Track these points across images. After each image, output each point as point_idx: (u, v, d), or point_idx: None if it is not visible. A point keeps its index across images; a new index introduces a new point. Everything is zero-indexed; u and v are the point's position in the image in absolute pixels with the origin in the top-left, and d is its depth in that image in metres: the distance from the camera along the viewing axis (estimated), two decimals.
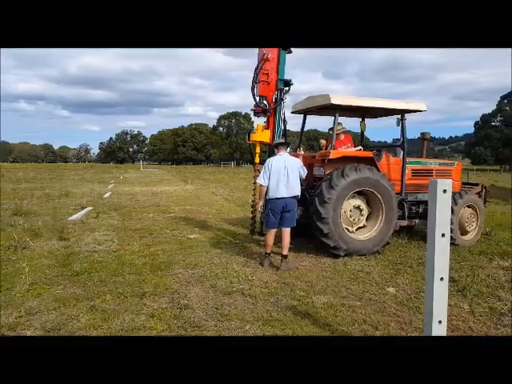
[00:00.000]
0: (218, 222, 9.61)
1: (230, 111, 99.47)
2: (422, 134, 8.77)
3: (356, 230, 6.65)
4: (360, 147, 7.63)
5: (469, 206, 7.56)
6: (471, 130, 78.06)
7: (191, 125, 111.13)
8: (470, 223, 7.53)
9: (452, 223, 7.19)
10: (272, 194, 5.56)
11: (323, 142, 7.60)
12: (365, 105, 6.84)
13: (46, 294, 4.40)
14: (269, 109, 7.03)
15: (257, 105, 7.06)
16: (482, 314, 4.02)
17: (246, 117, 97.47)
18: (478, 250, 6.84)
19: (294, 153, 6.79)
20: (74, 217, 9.59)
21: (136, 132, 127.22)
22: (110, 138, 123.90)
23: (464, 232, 7.46)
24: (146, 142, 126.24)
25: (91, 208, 11.37)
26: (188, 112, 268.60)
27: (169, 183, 24.49)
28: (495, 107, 73.62)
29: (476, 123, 76.34)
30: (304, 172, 5.79)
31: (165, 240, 7.39)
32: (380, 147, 8.33)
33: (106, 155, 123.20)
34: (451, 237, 7.15)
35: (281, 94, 7.07)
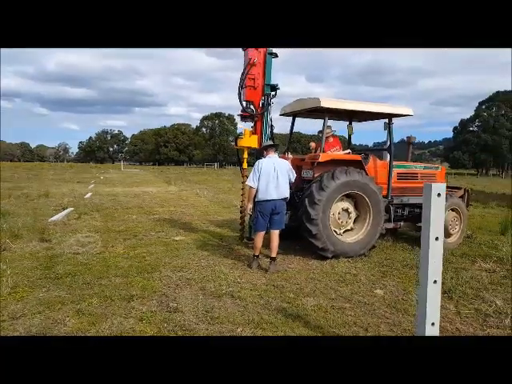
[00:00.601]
0: (204, 223, 9.53)
1: (214, 112, 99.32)
2: (407, 137, 8.92)
3: (343, 232, 6.70)
4: (349, 150, 7.70)
5: (452, 210, 7.71)
6: (450, 134, 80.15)
7: (174, 125, 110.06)
8: (453, 226, 7.67)
9: None
10: (261, 196, 5.55)
11: (313, 144, 7.63)
12: (354, 108, 6.90)
13: (29, 298, 4.27)
14: (256, 114, 7.01)
15: (244, 110, 7.02)
16: (468, 316, 4.10)
17: (230, 118, 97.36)
18: (461, 252, 6.99)
19: (283, 155, 6.79)
20: (54, 218, 9.36)
21: (116, 131, 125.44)
22: (90, 138, 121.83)
23: (447, 235, 7.59)
24: (127, 141, 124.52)
25: (72, 209, 11.12)
26: (171, 112, 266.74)
27: (151, 184, 24.20)
28: (473, 113, 75.62)
29: (455, 128, 78.27)
30: (293, 175, 5.80)
31: (150, 242, 7.28)
32: (367, 151, 8.43)
33: (85, 155, 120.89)
34: None
35: (268, 99, 7.06)
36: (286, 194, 5.66)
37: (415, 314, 4.10)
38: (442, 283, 5.04)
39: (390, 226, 7.35)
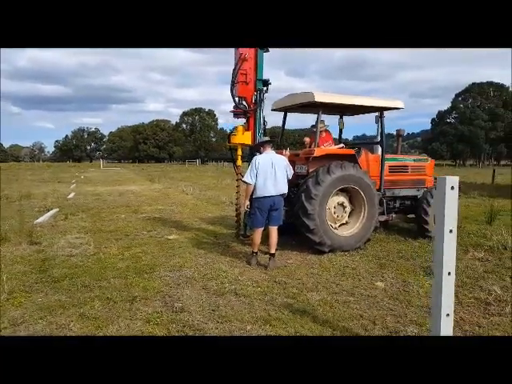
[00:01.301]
0: (195, 221, 9.46)
1: (193, 107, 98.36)
2: (396, 130, 9.01)
3: (339, 226, 6.75)
4: (342, 145, 7.74)
5: None
6: (428, 126, 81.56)
7: (152, 121, 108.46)
8: None
9: (429, 215, 7.45)
10: (259, 193, 5.52)
11: (307, 139, 7.62)
12: (348, 102, 6.94)
13: (27, 303, 4.14)
14: (249, 110, 6.94)
15: (236, 106, 6.95)
16: (470, 305, 4.19)
17: (210, 113, 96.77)
18: None
19: (280, 151, 6.77)
20: (40, 219, 9.12)
21: (93, 129, 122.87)
22: (66, 136, 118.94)
23: None
24: (105, 139, 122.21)
25: (57, 210, 10.87)
26: (149, 108, 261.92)
27: (134, 182, 23.86)
28: (450, 105, 77.18)
29: (433, 120, 79.75)
30: (290, 171, 5.79)
31: (143, 242, 7.17)
32: (359, 144, 8.50)
33: (61, 154, 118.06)
34: (427, 229, 7.47)
35: (260, 95, 7.00)
36: (284, 190, 5.65)
37: (418, 305, 4.19)
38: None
39: (383, 218, 7.45)
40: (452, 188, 2.67)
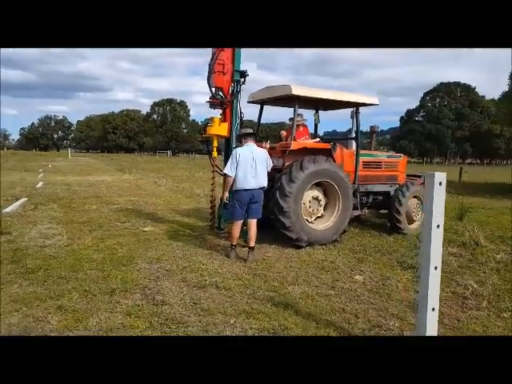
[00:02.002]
0: (170, 213, 9.30)
1: (164, 98, 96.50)
2: (370, 127, 9.18)
3: (314, 220, 6.80)
4: (318, 139, 7.78)
5: (415, 197, 8.04)
6: (396, 124, 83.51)
7: (122, 111, 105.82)
8: (416, 213, 8.03)
9: (401, 214, 7.64)
10: (239, 186, 5.48)
11: (284, 133, 7.61)
12: (324, 97, 6.96)
13: (0, 295, 3.95)
14: (225, 101, 6.84)
15: (213, 96, 6.83)
16: (448, 299, 4.32)
17: (182, 104, 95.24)
18: None
19: (260, 144, 6.73)
20: (8, 209, 8.71)
21: (61, 117, 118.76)
22: (32, 124, 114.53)
23: (411, 221, 7.94)
24: (72, 128, 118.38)
25: (26, 199, 10.42)
26: (117, 97, 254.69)
27: (104, 173, 23.23)
28: (419, 103, 79.29)
29: (401, 118, 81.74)
30: (270, 164, 5.77)
31: (118, 233, 6.99)
32: (334, 140, 8.57)
33: (27, 142, 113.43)
34: (400, 227, 7.65)
35: (237, 86, 6.91)
36: (264, 183, 5.63)
37: (398, 299, 4.28)
38: (416, 268, 5.31)
39: (357, 213, 7.57)
40: (440, 184, 2.72)
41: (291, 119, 7.65)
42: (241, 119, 7.10)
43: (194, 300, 4.02)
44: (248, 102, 7.79)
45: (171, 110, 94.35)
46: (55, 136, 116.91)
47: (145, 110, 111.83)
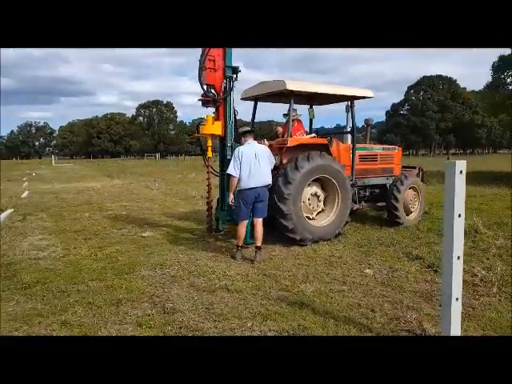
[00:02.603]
0: (167, 217, 9.12)
1: (150, 100, 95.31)
2: (365, 120, 9.15)
3: (316, 215, 6.71)
4: (314, 134, 7.69)
5: (411, 188, 8.02)
6: (382, 118, 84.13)
7: (106, 115, 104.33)
8: (413, 204, 8.00)
9: (398, 206, 7.59)
10: (244, 185, 5.34)
11: (280, 129, 7.49)
12: (320, 91, 6.87)
13: None
14: (218, 98, 6.67)
15: (205, 94, 6.66)
16: None
17: (168, 106, 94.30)
18: (426, 227, 7.33)
19: (259, 140, 6.59)
20: None
21: (42, 123, 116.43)
22: (12, 131, 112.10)
23: (408, 212, 7.91)
24: (55, 134, 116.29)
25: (12, 210, 10.11)
26: (101, 101, 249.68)
27: (92, 179, 22.80)
28: (403, 97, 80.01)
29: (387, 112, 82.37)
30: (273, 160, 5.66)
31: (115, 241, 6.80)
32: (330, 134, 8.49)
33: (7, 151, 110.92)
34: (398, 216, 7.61)
35: (230, 83, 6.75)
36: (269, 180, 5.52)
37: (411, 291, 4.22)
38: (422, 258, 5.27)
39: (355, 207, 7.50)
40: (461, 172, 2.65)
41: (286, 115, 7.55)
42: (235, 117, 6.96)
43: (205, 305, 3.88)
44: (241, 99, 7.65)
45: (158, 111, 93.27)
46: (36, 143, 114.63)
47: (130, 113, 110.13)
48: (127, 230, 7.73)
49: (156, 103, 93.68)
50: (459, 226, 2.71)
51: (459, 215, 2.69)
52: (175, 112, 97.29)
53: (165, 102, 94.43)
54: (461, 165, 2.63)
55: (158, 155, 76.97)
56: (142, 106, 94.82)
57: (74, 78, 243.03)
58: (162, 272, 4.99)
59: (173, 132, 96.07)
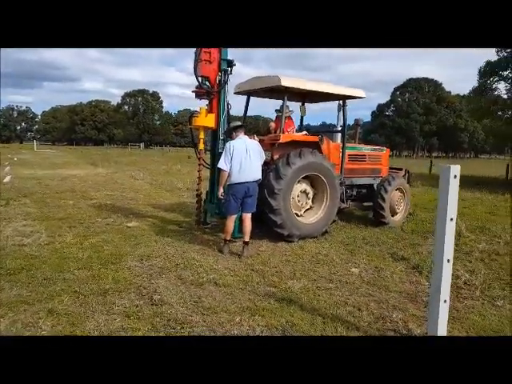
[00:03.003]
0: (153, 208, 9.04)
1: (136, 88, 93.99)
2: (355, 120, 9.20)
3: (304, 212, 6.75)
4: (305, 132, 7.71)
5: (397, 189, 8.14)
6: (368, 118, 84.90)
7: (91, 102, 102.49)
8: (399, 205, 8.13)
9: (385, 207, 7.70)
10: (234, 179, 5.33)
11: (273, 125, 7.49)
12: (314, 88, 6.89)
13: None
14: (212, 91, 6.63)
15: (199, 86, 6.61)
16: None
17: (154, 95, 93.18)
18: (410, 229, 7.46)
19: (249, 134, 6.57)
20: None
21: (24, 108, 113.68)
22: None
23: (394, 213, 8.03)
24: (37, 119, 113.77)
25: None
26: (85, 87, 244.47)
27: (76, 166, 22.40)
28: (389, 98, 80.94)
29: (373, 112, 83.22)
30: (263, 156, 5.66)
31: (101, 230, 6.71)
32: (320, 132, 8.53)
33: None
34: (384, 216, 7.72)
35: (225, 76, 6.71)
36: (259, 175, 5.52)
37: (396, 291, 4.29)
38: (407, 259, 5.37)
39: (342, 206, 7.58)
40: (455, 177, 2.70)
41: (278, 111, 7.56)
42: (228, 111, 6.92)
43: (193, 298, 3.88)
44: (234, 93, 7.60)
45: (143, 101, 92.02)
46: (18, 128, 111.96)
47: (115, 100, 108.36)
48: (112, 219, 7.64)
49: (142, 92, 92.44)
50: (451, 230, 2.78)
51: (451, 219, 2.75)
52: (161, 102, 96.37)
53: (151, 92, 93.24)
54: (455, 169, 2.69)
55: (142, 145, 76.09)
56: (127, 95, 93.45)
57: (59, 63, 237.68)
58: (149, 263, 4.95)
59: (158, 122, 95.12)
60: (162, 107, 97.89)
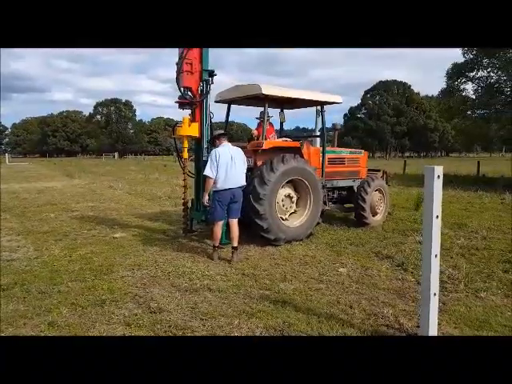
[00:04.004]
0: (137, 218, 9.02)
1: (108, 98, 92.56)
2: (333, 124, 9.49)
3: (288, 216, 6.91)
4: (285, 138, 7.90)
5: (377, 190, 8.42)
6: (340, 121, 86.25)
7: (62, 112, 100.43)
8: (378, 205, 8.40)
9: (366, 208, 7.96)
10: (220, 186, 5.45)
11: (255, 132, 7.64)
12: (293, 96, 7.09)
13: None
14: (195, 101, 6.75)
15: (182, 96, 6.72)
16: None
17: (127, 104, 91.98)
18: (391, 228, 7.73)
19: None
20: None
21: None
22: None
23: (374, 213, 8.30)
24: (7, 132, 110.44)
25: None
26: (55, 98, 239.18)
27: (51, 178, 21.94)
28: (360, 101, 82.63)
29: (345, 115, 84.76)
30: (245, 162, 5.79)
31: (87, 242, 6.69)
32: (300, 137, 8.74)
33: None
34: (366, 217, 7.97)
35: (206, 86, 6.84)
36: (243, 181, 5.65)
37: (385, 288, 4.49)
38: (392, 257, 5.59)
39: (326, 207, 7.79)
40: (438, 177, 2.91)
41: (259, 118, 7.73)
42: (210, 119, 7.04)
43: (190, 305, 3.96)
44: (215, 102, 7.73)
45: (116, 110, 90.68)
46: None
47: (86, 111, 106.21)
48: (97, 230, 7.60)
49: (114, 101, 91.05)
50: (436, 227, 2.97)
51: (437, 216, 2.95)
52: (134, 111, 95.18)
53: (123, 101, 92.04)
54: (438, 170, 2.89)
55: (116, 154, 74.92)
56: (99, 104, 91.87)
57: (27, 74, 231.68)
58: (141, 273, 5.00)
59: (132, 131, 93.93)
60: (135, 116, 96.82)
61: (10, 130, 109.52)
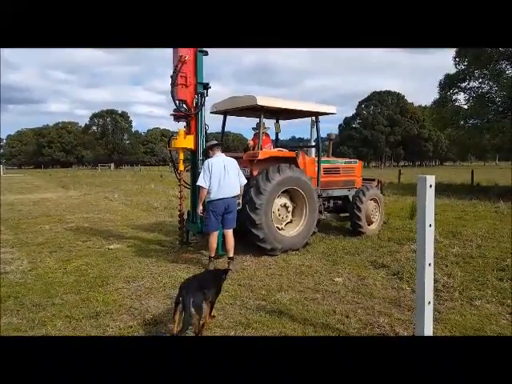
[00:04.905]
0: (132, 229, 8.99)
1: (104, 109, 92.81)
2: (327, 134, 9.52)
3: (285, 225, 6.93)
4: (280, 148, 7.95)
5: (372, 199, 8.46)
6: (335, 131, 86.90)
7: (58, 123, 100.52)
8: (374, 214, 8.44)
9: (361, 217, 8.00)
10: (213, 196, 5.46)
11: (251, 142, 7.69)
12: (288, 107, 7.15)
13: None
14: (190, 113, 6.80)
15: (177, 109, 6.78)
16: None
17: (123, 115, 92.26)
18: (386, 237, 7.75)
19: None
20: None
21: None
22: None
23: (370, 222, 8.33)
24: (2, 143, 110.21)
25: None
26: (51, 109, 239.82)
27: (47, 190, 21.88)
28: (355, 111, 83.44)
29: (340, 125, 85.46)
30: (241, 174, 5.81)
31: (82, 253, 6.65)
32: (296, 148, 8.80)
33: None
34: (361, 226, 8.00)
35: (201, 99, 6.90)
36: (237, 191, 5.67)
37: (380, 297, 4.50)
38: (387, 266, 5.60)
39: (322, 217, 7.82)
40: (430, 186, 2.94)
41: (255, 129, 7.79)
42: (206, 131, 7.08)
43: None
44: (211, 113, 7.79)
45: (112, 121, 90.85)
46: None
47: (82, 122, 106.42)
48: (92, 242, 7.57)
49: (110, 112, 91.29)
50: (430, 235, 2.99)
51: (430, 225, 2.97)
52: (130, 121, 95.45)
53: (120, 112, 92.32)
54: (431, 180, 2.93)
55: (112, 165, 74.84)
56: (95, 115, 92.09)
57: (23, 85, 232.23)
58: (136, 284, 4.97)
59: (128, 142, 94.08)
60: (132, 126, 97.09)
61: (4, 141, 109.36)
